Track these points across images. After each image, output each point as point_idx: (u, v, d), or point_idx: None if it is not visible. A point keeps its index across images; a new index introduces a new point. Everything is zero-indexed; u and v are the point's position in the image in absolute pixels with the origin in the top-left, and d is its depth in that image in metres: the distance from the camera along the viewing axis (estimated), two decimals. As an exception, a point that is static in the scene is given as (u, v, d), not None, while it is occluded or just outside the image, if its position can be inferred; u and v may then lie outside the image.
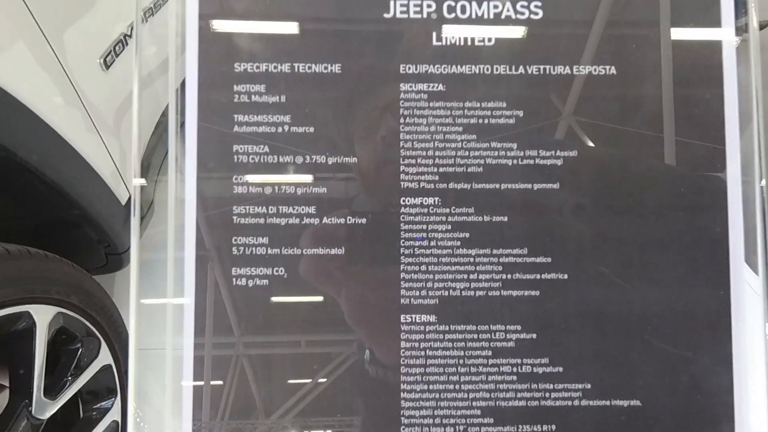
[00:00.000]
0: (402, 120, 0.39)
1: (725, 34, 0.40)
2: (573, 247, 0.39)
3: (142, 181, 0.42)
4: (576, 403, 0.38)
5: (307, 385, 0.39)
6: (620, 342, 0.39)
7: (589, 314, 0.39)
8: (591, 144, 0.39)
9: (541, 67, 0.39)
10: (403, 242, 0.39)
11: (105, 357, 0.82)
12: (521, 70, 0.39)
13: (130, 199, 1.02)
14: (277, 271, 0.38)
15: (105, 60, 0.93)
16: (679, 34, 0.40)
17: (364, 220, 0.39)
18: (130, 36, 1.01)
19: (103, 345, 0.82)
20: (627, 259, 0.39)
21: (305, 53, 0.39)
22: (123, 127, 1.00)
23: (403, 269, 0.38)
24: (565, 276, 0.39)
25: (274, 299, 0.39)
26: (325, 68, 0.39)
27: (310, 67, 0.39)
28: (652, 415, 0.38)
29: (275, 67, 0.39)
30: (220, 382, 0.39)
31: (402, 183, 0.39)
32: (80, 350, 0.78)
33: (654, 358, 0.39)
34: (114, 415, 0.83)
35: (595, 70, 0.39)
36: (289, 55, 0.39)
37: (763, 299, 0.38)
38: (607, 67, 0.39)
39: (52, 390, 0.73)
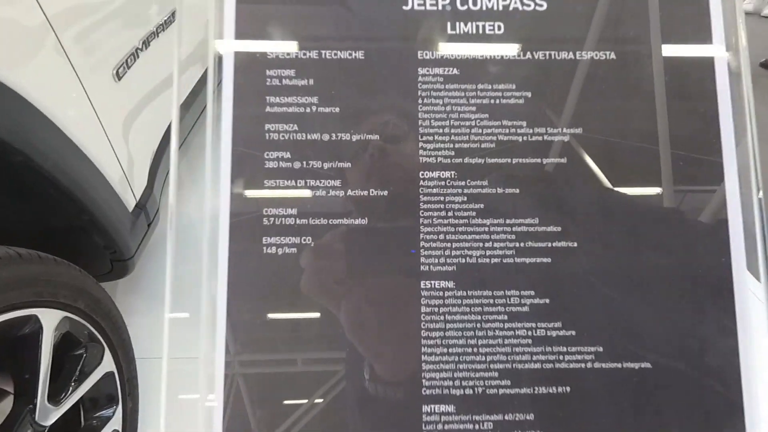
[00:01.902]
0: (420, 101, 0.42)
1: (716, 50, 0.43)
2: (581, 217, 0.42)
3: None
4: (589, 365, 0.40)
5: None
6: (630, 307, 0.41)
7: (598, 280, 0.41)
8: (594, 122, 0.42)
9: (547, 52, 0.43)
10: (422, 213, 0.41)
11: (108, 364, 0.82)
12: (528, 55, 0.43)
13: (137, 205, 1.04)
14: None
15: (117, 72, 0.97)
16: (670, 50, 0.43)
17: (386, 192, 0.41)
18: (141, 49, 1.06)
19: (107, 351, 0.82)
20: (632, 228, 0.42)
21: (332, 42, 0.42)
22: (131, 135, 1.03)
23: (422, 238, 0.41)
24: (575, 244, 0.41)
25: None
26: (350, 54, 0.43)
27: (335, 54, 0.42)
28: (662, 377, 0.40)
29: (304, 54, 0.42)
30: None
31: (421, 158, 0.42)
32: (84, 356, 0.78)
33: (662, 322, 0.41)
34: (115, 424, 0.82)
35: (596, 55, 0.43)
36: (317, 43, 0.42)
37: (760, 251, 0.41)
38: (607, 53, 0.43)
39: (55, 396, 0.72)
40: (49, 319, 0.70)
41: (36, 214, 0.90)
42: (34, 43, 0.75)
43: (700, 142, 0.42)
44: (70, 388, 0.75)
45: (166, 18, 1.15)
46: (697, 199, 0.42)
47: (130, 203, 1.02)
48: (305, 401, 0.39)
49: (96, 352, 0.80)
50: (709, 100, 0.43)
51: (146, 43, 1.08)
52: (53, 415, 0.71)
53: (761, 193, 0.42)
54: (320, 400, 0.39)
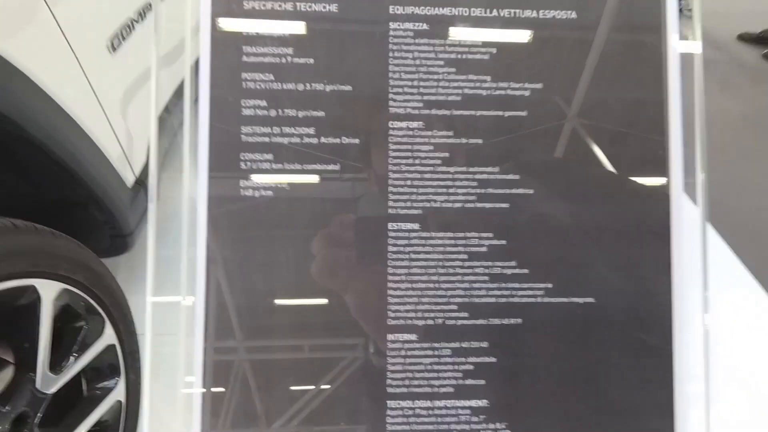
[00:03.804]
0: (391, 54, 0.44)
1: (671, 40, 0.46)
2: (538, 166, 0.45)
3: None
4: (539, 300, 0.44)
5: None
6: (578, 249, 0.45)
7: (551, 225, 0.45)
8: (554, 77, 0.45)
9: (512, 10, 0.45)
10: (391, 160, 0.44)
11: (109, 336, 0.83)
12: (495, 12, 0.45)
13: (136, 181, 1.03)
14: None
15: (112, 43, 0.95)
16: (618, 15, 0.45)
17: (357, 140, 0.44)
18: (137, 20, 1.03)
19: (108, 324, 0.82)
20: (583, 178, 0.45)
21: (306, -6, 0.44)
22: (130, 111, 1.01)
23: (390, 183, 0.44)
24: (531, 191, 0.45)
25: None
26: (324, 7, 0.44)
27: (310, 6, 0.44)
28: (603, 311, 0.45)
29: (279, 6, 0.44)
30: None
31: (390, 108, 0.44)
32: (85, 328, 0.79)
33: (606, 263, 0.45)
34: (118, 395, 0.84)
35: (557, 14, 0.46)
36: (292, -5, 0.44)
37: (700, 208, 0.45)
38: (568, 12, 0.46)
39: (57, 365, 0.73)
40: (48, 290, 0.71)
41: (33, 188, 0.90)
42: (25, 13, 0.73)
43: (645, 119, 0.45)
44: (71, 358, 0.75)
45: None
46: (642, 149, 0.46)
47: (129, 179, 1.00)
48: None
49: (96, 325, 0.81)
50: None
51: (141, 14, 1.04)
52: (55, 383, 0.72)
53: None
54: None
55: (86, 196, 0.88)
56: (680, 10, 0.47)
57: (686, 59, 0.47)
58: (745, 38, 3.16)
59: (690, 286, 0.46)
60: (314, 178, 0.44)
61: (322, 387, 0.43)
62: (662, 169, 0.46)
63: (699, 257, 0.47)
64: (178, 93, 0.45)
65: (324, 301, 0.43)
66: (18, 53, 0.70)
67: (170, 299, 0.43)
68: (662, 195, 0.46)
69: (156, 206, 0.45)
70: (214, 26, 0.44)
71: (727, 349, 1.17)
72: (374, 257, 0.44)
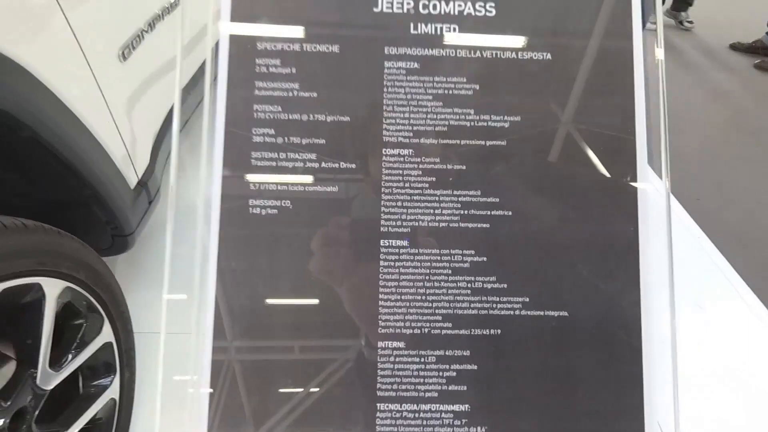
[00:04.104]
0: (385, 89, 0.50)
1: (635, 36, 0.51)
2: (517, 190, 0.50)
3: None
4: (517, 312, 0.49)
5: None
6: (553, 265, 0.49)
7: (528, 243, 0.49)
8: (531, 111, 0.50)
9: (493, 51, 0.51)
10: (384, 183, 0.49)
11: (107, 334, 0.84)
12: (478, 54, 0.51)
13: (138, 182, 1.07)
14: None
15: (123, 52, 1.00)
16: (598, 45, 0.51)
17: (353, 165, 0.49)
18: (146, 31, 1.09)
19: (106, 322, 0.84)
20: (558, 200, 0.50)
21: (311, 36, 0.50)
22: (135, 115, 1.06)
23: (383, 204, 0.49)
24: (510, 213, 0.49)
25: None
26: (327, 48, 0.50)
27: (314, 47, 0.50)
28: (576, 324, 0.49)
29: (288, 47, 0.50)
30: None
31: (384, 137, 0.50)
32: (84, 325, 0.80)
33: (579, 279, 0.49)
34: (112, 393, 0.85)
35: (534, 55, 0.51)
36: (299, 38, 0.50)
37: (665, 223, 0.49)
38: (544, 54, 0.51)
39: (56, 362, 0.74)
40: (52, 288, 0.73)
41: (40, 188, 0.92)
42: (42, 21, 0.78)
43: (614, 126, 0.50)
44: (71, 356, 0.77)
45: (171, 1, 1.18)
46: (613, 172, 0.50)
47: (132, 180, 1.04)
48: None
49: (95, 323, 0.83)
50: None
51: (151, 25, 1.11)
52: (54, 380, 0.74)
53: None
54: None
55: (90, 196, 0.90)
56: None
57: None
58: (737, 48, 3.23)
59: (659, 297, 0.50)
60: (315, 197, 0.49)
61: (312, 390, 0.46)
62: (630, 188, 0.50)
63: (666, 267, 0.51)
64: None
65: (316, 300, 0.47)
66: (34, 59, 0.73)
67: (176, 297, 0.47)
68: (630, 212, 0.50)
69: (174, 209, 0.49)
70: (230, 63, 0.50)
71: (722, 355, 1.19)
72: (368, 271, 0.48)
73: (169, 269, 0.47)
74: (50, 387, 0.73)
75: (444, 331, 0.48)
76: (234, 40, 0.50)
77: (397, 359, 0.48)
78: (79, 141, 0.86)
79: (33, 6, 0.77)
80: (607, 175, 0.50)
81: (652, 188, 0.51)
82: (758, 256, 1.65)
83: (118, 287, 0.89)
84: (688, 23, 3.50)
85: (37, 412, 0.72)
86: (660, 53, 0.52)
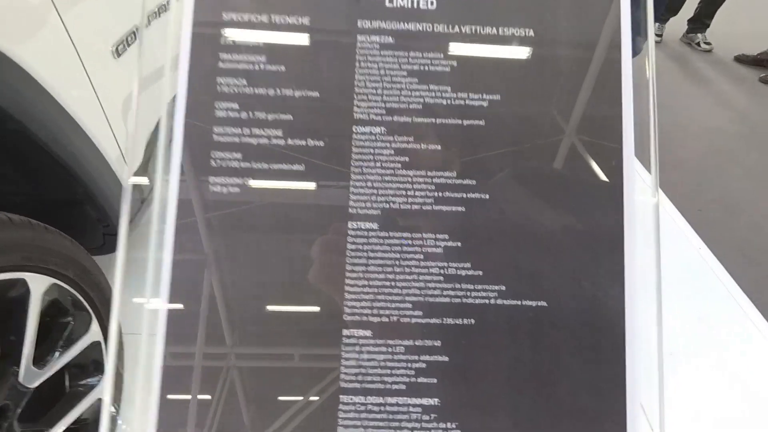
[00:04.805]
0: (357, 64, 0.47)
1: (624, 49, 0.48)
2: (495, 172, 0.47)
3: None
4: (492, 301, 0.46)
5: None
6: (531, 253, 0.46)
7: (505, 229, 0.46)
8: (512, 90, 0.48)
9: (473, 27, 0.48)
10: (353, 162, 0.46)
11: (95, 333, 0.83)
12: (456, 29, 0.48)
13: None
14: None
15: (117, 49, 0.99)
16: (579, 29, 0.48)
17: (322, 143, 0.47)
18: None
19: (94, 321, 0.83)
20: (538, 184, 0.47)
21: (280, 8, 0.48)
22: (130, 114, 1.05)
23: (352, 184, 0.46)
24: (487, 196, 0.47)
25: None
26: (297, 20, 0.48)
27: (284, 19, 0.48)
28: (555, 315, 0.46)
29: (255, 18, 0.48)
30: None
31: (355, 114, 0.47)
32: (71, 324, 0.79)
33: (559, 267, 0.46)
34: (100, 393, 0.83)
35: (516, 31, 0.48)
36: (268, 8, 0.48)
37: (653, 217, 0.46)
38: (526, 30, 0.48)
39: (41, 360, 0.73)
40: (38, 284, 0.72)
41: (32, 186, 0.92)
42: (35, 17, 0.77)
43: (602, 119, 0.48)
44: (56, 354, 0.76)
45: (160, 5, 1.17)
46: (598, 160, 0.48)
47: (125, 179, 1.03)
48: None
49: (83, 321, 0.82)
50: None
51: (147, 21, 1.09)
52: (38, 378, 0.72)
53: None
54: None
55: (83, 194, 0.90)
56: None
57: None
58: (742, 60, 3.20)
59: (644, 293, 0.47)
60: (280, 176, 0.46)
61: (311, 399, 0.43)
62: (616, 172, 0.47)
63: (653, 263, 0.48)
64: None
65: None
66: (27, 56, 0.73)
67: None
68: (616, 201, 0.47)
69: (157, 206, 0.47)
70: (195, 33, 0.47)
71: (723, 366, 1.16)
72: (334, 254, 0.45)
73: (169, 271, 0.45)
74: (34, 385, 0.72)
75: (414, 320, 0.45)
76: (198, 9, 0.47)
77: (363, 348, 0.45)
78: (72, 139, 0.85)
79: (26, 1, 0.75)
80: (592, 162, 0.47)
81: (638, 179, 0.48)
82: (761, 268, 1.63)
83: (108, 286, 0.88)
84: (705, 44, 3.40)
85: (19, 411, 0.71)
86: (651, 35, 0.50)
